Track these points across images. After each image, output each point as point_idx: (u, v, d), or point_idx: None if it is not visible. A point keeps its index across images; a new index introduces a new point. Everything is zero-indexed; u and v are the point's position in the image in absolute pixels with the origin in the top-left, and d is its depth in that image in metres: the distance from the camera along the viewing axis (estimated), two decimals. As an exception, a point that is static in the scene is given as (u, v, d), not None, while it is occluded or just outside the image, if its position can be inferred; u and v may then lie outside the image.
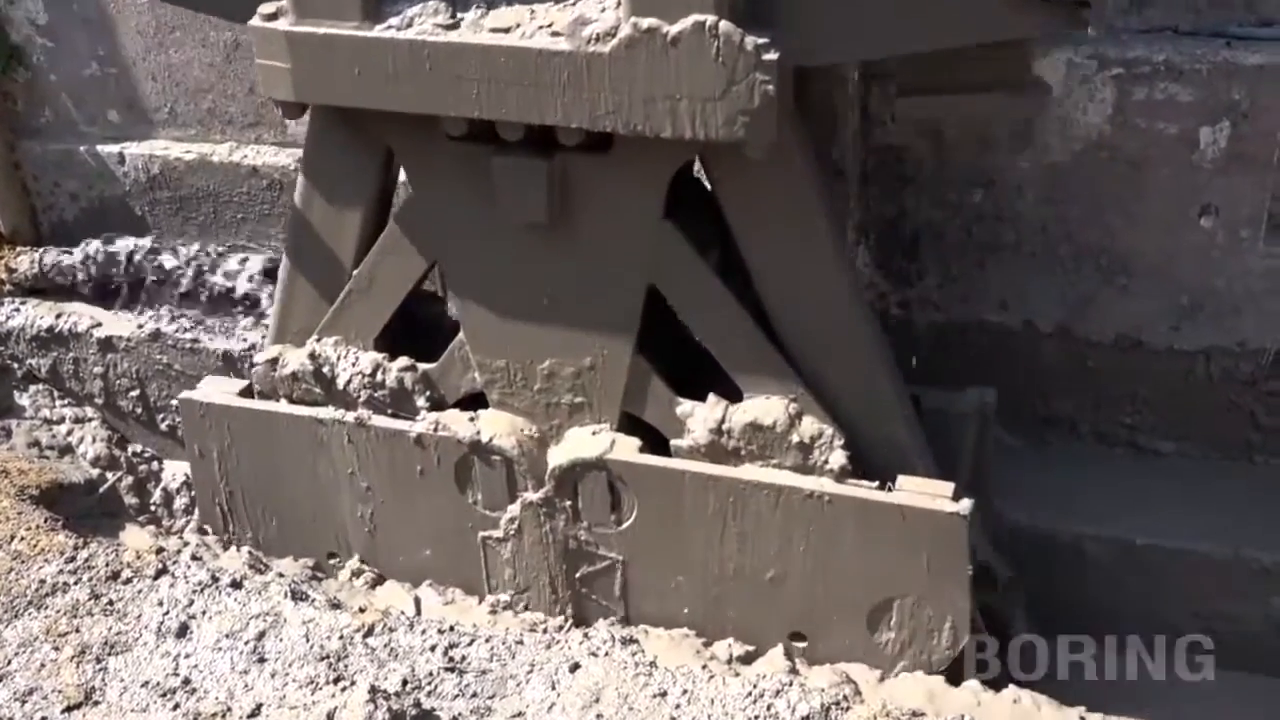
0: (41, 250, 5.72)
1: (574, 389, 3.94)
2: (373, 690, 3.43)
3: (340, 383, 4.08)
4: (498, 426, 3.98)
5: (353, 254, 4.05)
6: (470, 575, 4.23)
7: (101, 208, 5.71)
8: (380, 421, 4.07)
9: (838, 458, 3.73)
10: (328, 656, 3.66)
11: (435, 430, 3.99)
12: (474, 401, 4.13)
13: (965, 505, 3.65)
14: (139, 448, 5.72)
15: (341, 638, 3.72)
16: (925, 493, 3.70)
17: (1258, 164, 4.15)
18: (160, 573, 3.95)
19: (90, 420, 5.69)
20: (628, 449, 3.89)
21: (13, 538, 4.08)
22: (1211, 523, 4.53)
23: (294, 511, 4.33)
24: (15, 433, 5.54)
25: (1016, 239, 4.51)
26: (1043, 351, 4.68)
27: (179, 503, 5.65)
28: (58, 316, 5.61)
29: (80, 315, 5.61)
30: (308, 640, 3.72)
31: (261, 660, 3.67)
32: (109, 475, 5.32)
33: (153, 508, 5.63)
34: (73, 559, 4.01)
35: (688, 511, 3.87)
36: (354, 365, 4.06)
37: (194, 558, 4.06)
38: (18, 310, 5.67)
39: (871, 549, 3.75)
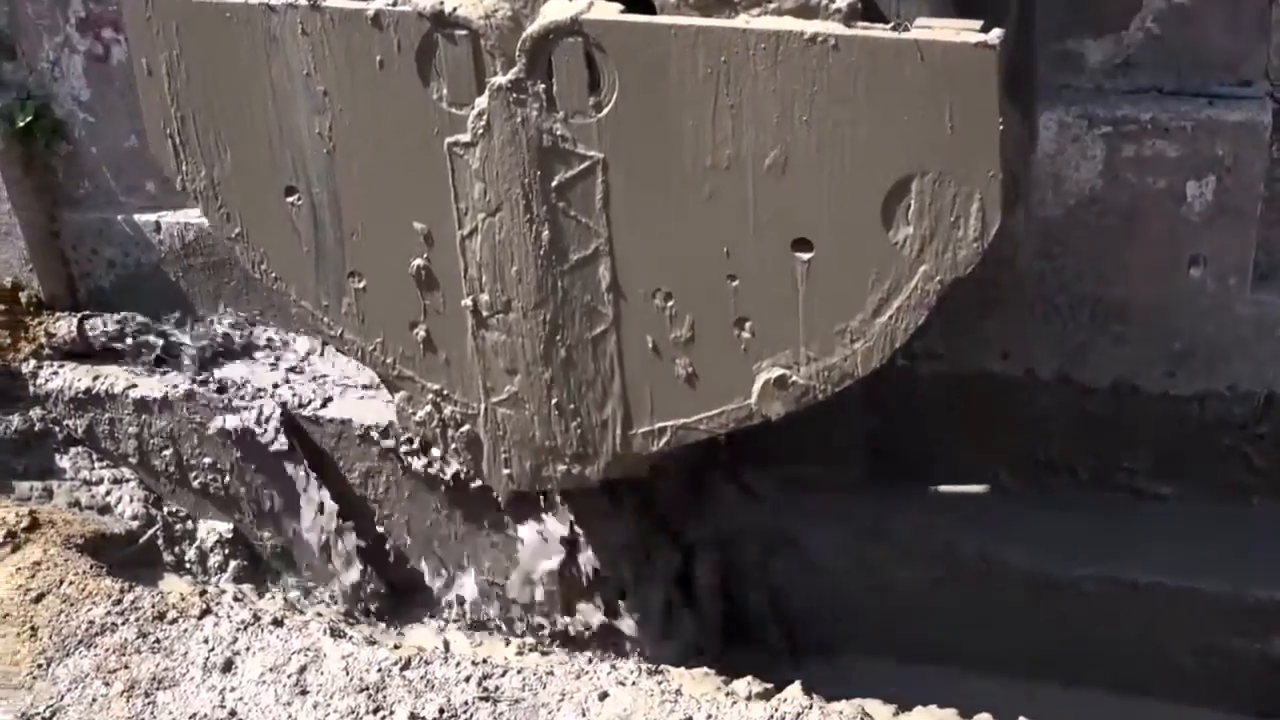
0: (79, 315, 5.95)
1: None
2: (412, 718, 3.61)
3: None
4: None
5: None
6: (437, 201, 3.82)
7: (137, 274, 5.96)
8: (335, 2, 3.70)
9: None
10: (367, 688, 3.84)
11: (395, 3, 3.62)
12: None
13: (995, 34, 3.12)
14: (174, 506, 5.91)
15: (380, 670, 3.90)
16: (947, 28, 3.19)
17: (1242, 216, 4.39)
18: (204, 613, 4.14)
19: (128, 480, 5.89)
20: (607, 11, 3.47)
21: (61, 582, 4.28)
22: (1212, 562, 4.72)
23: (249, 138, 3.98)
24: (56, 493, 5.74)
25: (1015, 291, 4.74)
26: (1042, 398, 4.89)
27: (213, 560, 5.83)
28: (95, 379, 5.82)
29: (116, 377, 5.82)
30: (347, 673, 3.91)
31: (304, 693, 3.85)
32: (149, 527, 5.51)
33: (188, 565, 5.81)
34: (119, 601, 4.21)
35: (674, 82, 3.40)
36: None
37: (236, 599, 4.26)
38: (56, 373, 5.89)
39: (884, 110, 3.25)
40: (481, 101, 3.61)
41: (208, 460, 5.73)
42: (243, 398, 5.58)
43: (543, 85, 3.53)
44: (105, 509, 5.80)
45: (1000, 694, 4.54)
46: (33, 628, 4.14)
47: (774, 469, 5.12)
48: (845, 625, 5.12)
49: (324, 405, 5.45)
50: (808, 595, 5.12)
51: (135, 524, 5.49)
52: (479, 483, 4.97)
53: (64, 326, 5.94)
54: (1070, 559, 4.79)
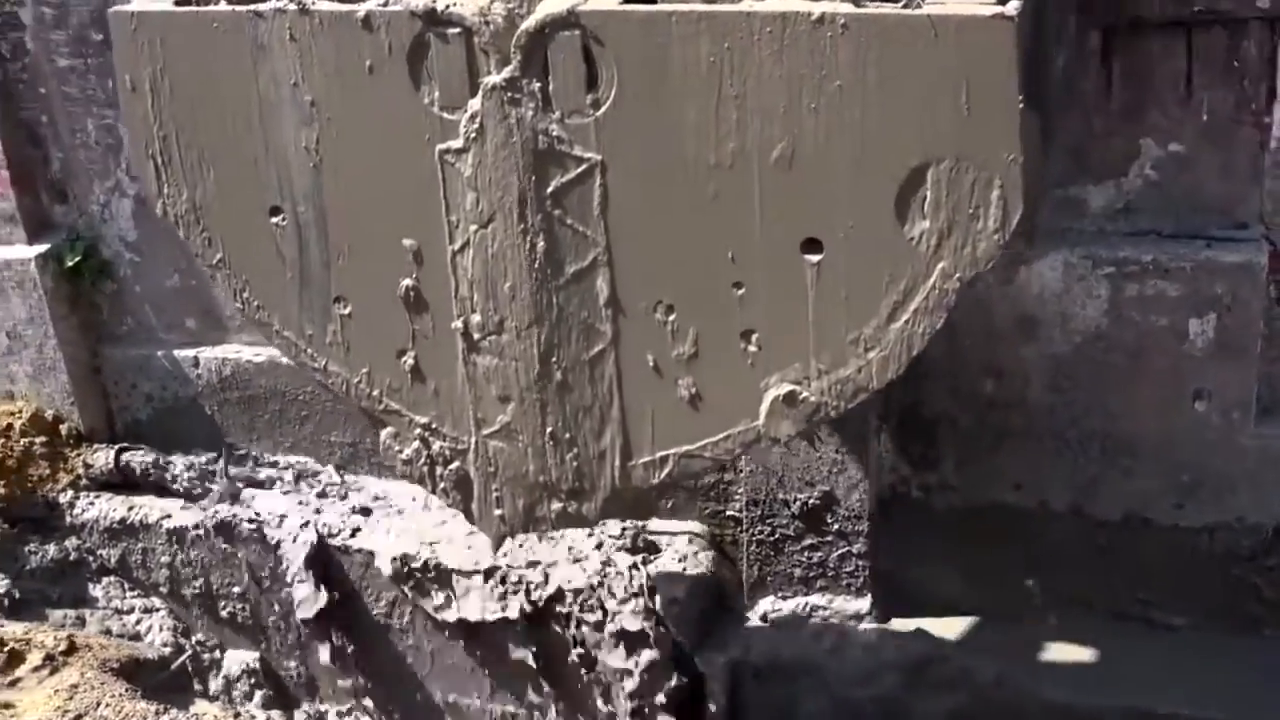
0: (117, 447, 6.13)
1: None
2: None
3: None
4: None
5: None
6: (427, 215, 3.67)
7: (174, 407, 6.15)
8: (325, 6, 3.57)
9: None
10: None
11: (386, 4, 3.50)
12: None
13: (1013, 6, 2.94)
14: (201, 636, 6.01)
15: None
16: (962, 3, 3.01)
17: (1243, 353, 4.57)
18: (236, 735, 4.24)
19: (158, 610, 6.00)
20: (605, 2, 3.31)
21: (98, 704, 4.39)
22: (1226, 692, 4.78)
23: (233, 156, 3.82)
24: (89, 621, 5.86)
25: (1026, 424, 4.89)
26: (1056, 530, 5.01)
27: (239, 690, 5.91)
28: (130, 509, 5.98)
29: (151, 508, 5.97)
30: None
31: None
32: (179, 654, 5.62)
33: (215, 695, 5.90)
34: (154, 724, 4.31)
35: (675, 73, 3.24)
36: None
37: (266, 723, 4.35)
38: (92, 504, 6.05)
39: (897, 93, 3.07)
40: (474, 103, 3.47)
41: (236, 590, 5.85)
42: (273, 528, 5.72)
43: (538, 84, 3.40)
44: (135, 637, 5.90)
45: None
46: (68, 751, 4.23)
47: (787, 597, 5.24)
48: (864, 756, 5.16)
49: (353, 535, 5.60)
50: (825, 725, 5.18)
51: (167, 650, 5.58)
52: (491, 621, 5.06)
53: (102, 458, 6.11)
54: (1088, 689, 4.85)
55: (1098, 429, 4.82)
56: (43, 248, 5.92)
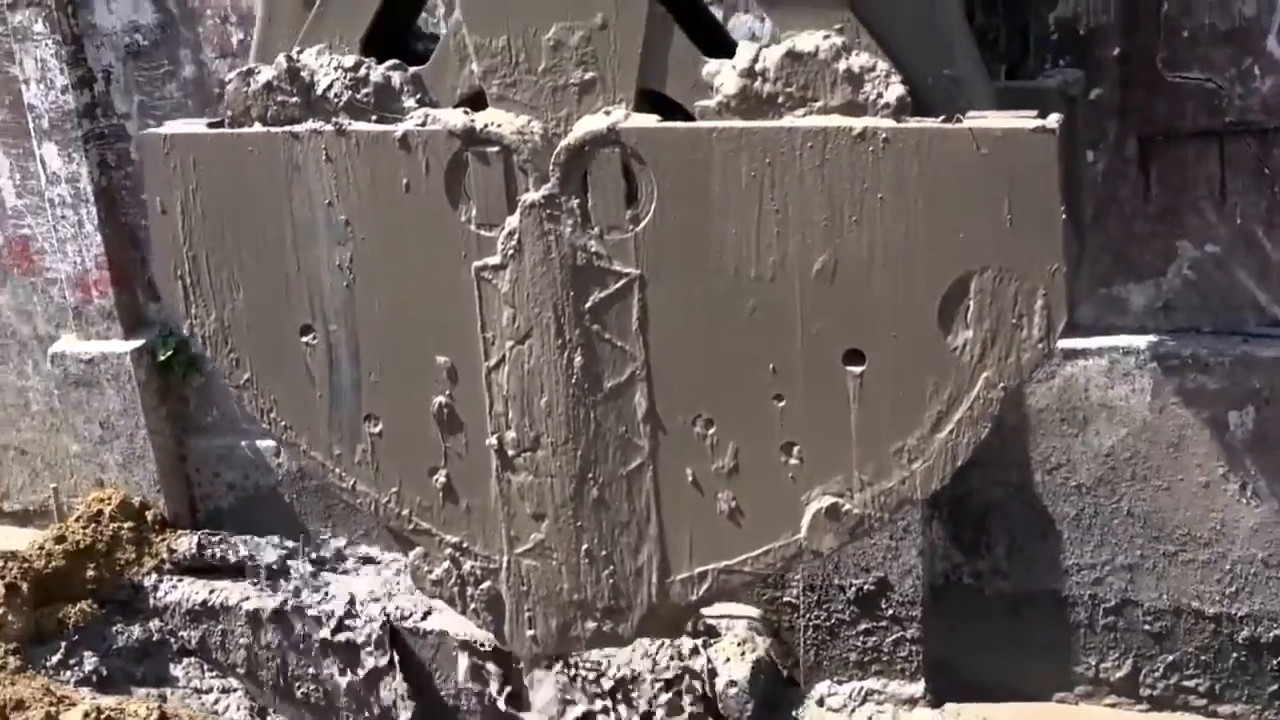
0: (199, 533, 6.42)
1: (584, 60, 3.41)
2: None
3: (320, 87, 3.66)
4: (496, 116, 3.48)
5: None
6: (462, 331, 3.66)
7: (254, 496, 6.45)
8: (362, 126, 3.57)
9: (894, 90, 3.12)
10: None
11: (424, 124, 3.51)
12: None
13: (1054, 119, 2.97)
14: (278, 716, 6.24)
15: None
16: (1002, 117, 3.03)
17: (1282, 443, 4.78)
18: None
19: (235, 690, 6.24)
20: (645, 120, 3.31)
21: (189, 770, 4.61)
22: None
23: (264, 275, 3.80)
24: (170, 700, 6.09)
25: (1075, 514, 5.09)
26: (1105, 617, 5.17)
27: (311, 769, 6.14)
28: (211, 592, 6.25)
29: (230, 591, 6.25)
30: None
31: None
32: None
33: (285, 774, 6.13)
34: (239, 789, 4.52)
35: (716, 188, 3.25)
36: (335, 65, 3.63)
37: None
38: (175, 587, 6.32)
39: (939, 204, 3.07)
40: (512, 220, 3.47)
41: (310, 671, 6.09)
42: (349, 614, 5.98)
43: (577, 200, 3.40)
44: (214, 715, 6.14)
45: None
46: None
47: (843, 681, 5.42)
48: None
49: (424, 617, 5.84)
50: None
51: (248, 722, 5.84)
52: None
53: (185, 544, 6.40)
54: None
55: (1143, 518, 5.01)
56: (138, 343, 6.30)
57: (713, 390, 3.40)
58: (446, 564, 3.85)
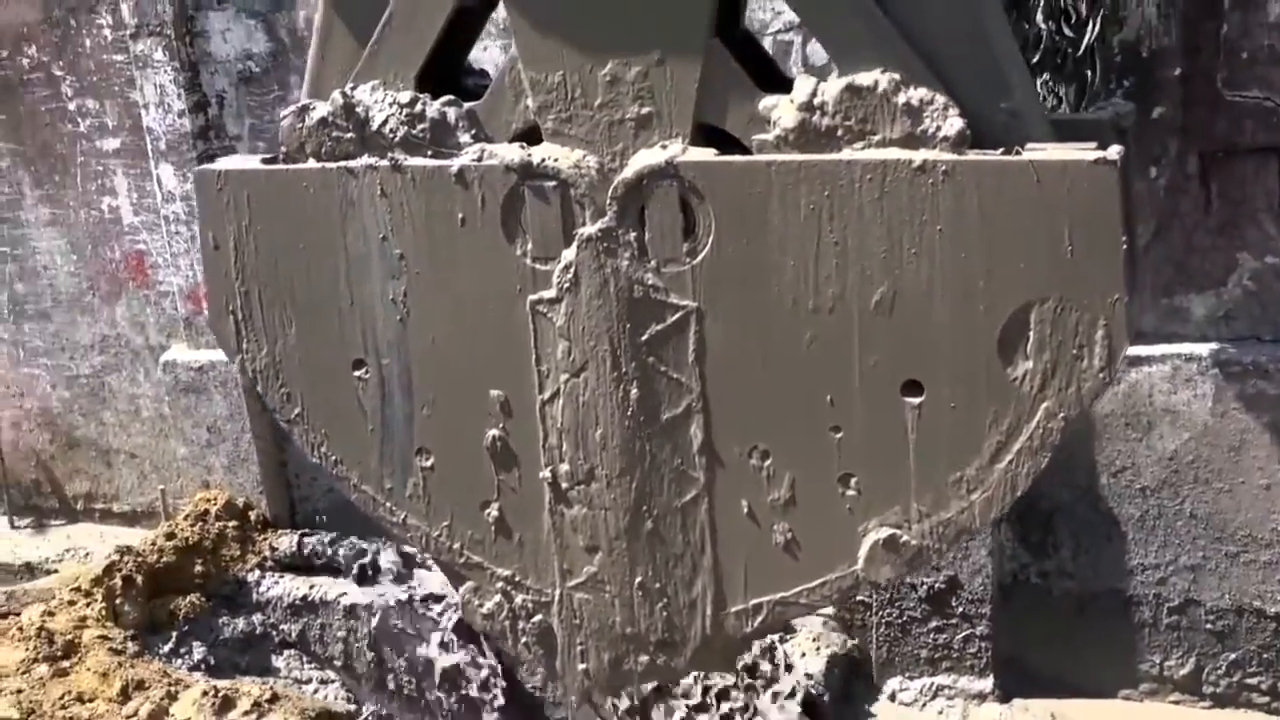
0: (299, 533, 6.78)
1: (640, 95, 3.39)
2: None
3: (375, 122, 3.65)
4: (552, 151, 3.47)
5: None
6: (516, 365, 3.63)
7: (348, 499, 6.75)
8: (418, 162, 3.58)
9: (954, 123, 3.09)
10: None
11: (480, 160, 3.50)
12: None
13: (1115, 151, 2.96)
14: (373, 705, 6.56)
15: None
16: (1062, 149, 3.02)
17: (1341, 447, 4.96)
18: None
19: (332, 681, 6.57)
20: (702, 154, 3.32)
21: (300, 747, 4.93)
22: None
23: (317, 310, 3.79)
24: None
25: (1139, 515, 5.29)
26: (1169, 615, 5.36)
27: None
28: (310, 588, 6.58)
29: (328, 587, 6.57)
30: None
31: None
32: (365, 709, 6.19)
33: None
34: (348, 765, 4.83)
35: (774, 221, 3.25)
36: (391, 101, 3.62)
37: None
38: (276, 583, 6.67)
39: (999, 236, 3.06)
40: (569, 254, 3.46)
41: (403, 664, 6.40)
42: (438, 603, 6.29)
43: (634, 234, 3.40)
44: (313, 705, 6.47)
45: None
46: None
47: (914, 676, 5.64)
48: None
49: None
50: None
51: (353, 706, 6.16)
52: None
53: (285, 542, 6.76)
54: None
55: (1205, 520, 5.19)
56: (244, 350, 6.66)
57: (769, 422, 3.39)
58: (498, 597, 3.82)
